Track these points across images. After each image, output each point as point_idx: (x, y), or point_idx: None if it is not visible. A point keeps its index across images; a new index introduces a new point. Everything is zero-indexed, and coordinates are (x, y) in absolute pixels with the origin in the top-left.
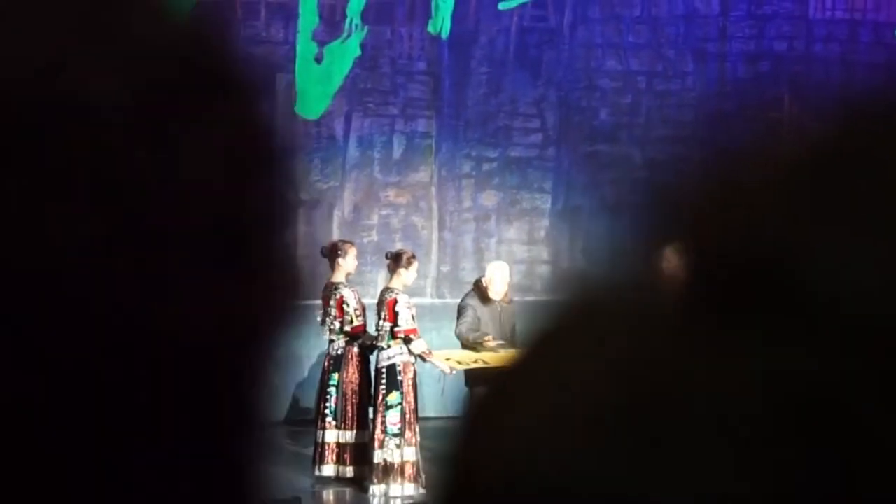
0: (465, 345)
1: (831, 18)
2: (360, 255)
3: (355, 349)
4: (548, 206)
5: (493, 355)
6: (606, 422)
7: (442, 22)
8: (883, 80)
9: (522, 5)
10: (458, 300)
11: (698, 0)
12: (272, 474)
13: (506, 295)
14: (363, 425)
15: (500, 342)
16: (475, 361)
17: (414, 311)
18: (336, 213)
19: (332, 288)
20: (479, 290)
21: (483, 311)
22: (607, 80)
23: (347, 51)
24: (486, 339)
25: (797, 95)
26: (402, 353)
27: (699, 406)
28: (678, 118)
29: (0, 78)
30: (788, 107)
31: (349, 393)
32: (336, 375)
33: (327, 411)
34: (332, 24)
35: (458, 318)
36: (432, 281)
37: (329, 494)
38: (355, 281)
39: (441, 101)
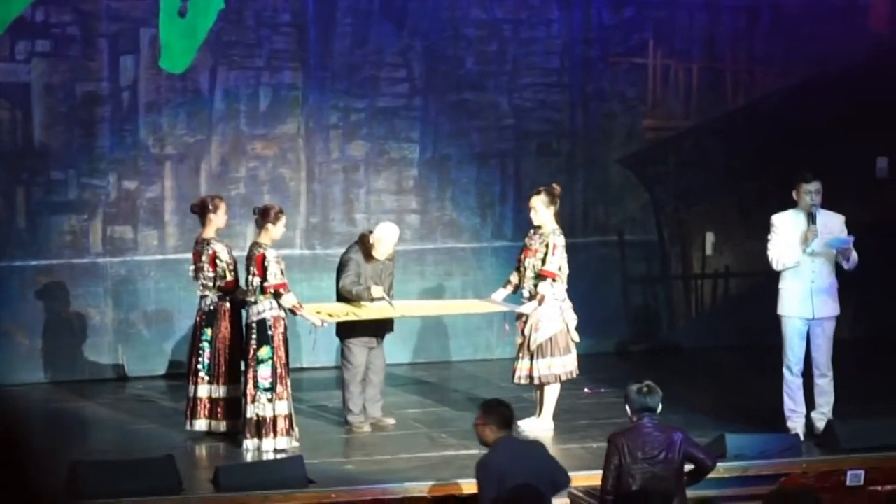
0: (348, 298)
1: None
2: (228, 209)
3: (227, 304)
4: (416, 155)
5: (366, 308)
6: None
7: None
8: (745, 24)
9: None
10: (328, 251)
11: None
12: (145, 430)
13: (390, 254)
14: (235, 380)
15: (382, 296)
16: (347, 314)
17: (283, 265)
18: (203, 167)
19: (203, 243)
20: (364, 246)
21: (365, 266)
22: (472, 29)
23: (211, 4)
24: (371, 293)
25: (662, 40)
26: (271, 308)
27: None
28: (544, 65)
29: None
30: (653, 52)
31: (222, 348)
32: (209, 331)
33: (200, 366)
34: None
35: (340, 272)
36: (301, 232)
37: (202, 449)
38: (224, 234)
39: (307, 53)
